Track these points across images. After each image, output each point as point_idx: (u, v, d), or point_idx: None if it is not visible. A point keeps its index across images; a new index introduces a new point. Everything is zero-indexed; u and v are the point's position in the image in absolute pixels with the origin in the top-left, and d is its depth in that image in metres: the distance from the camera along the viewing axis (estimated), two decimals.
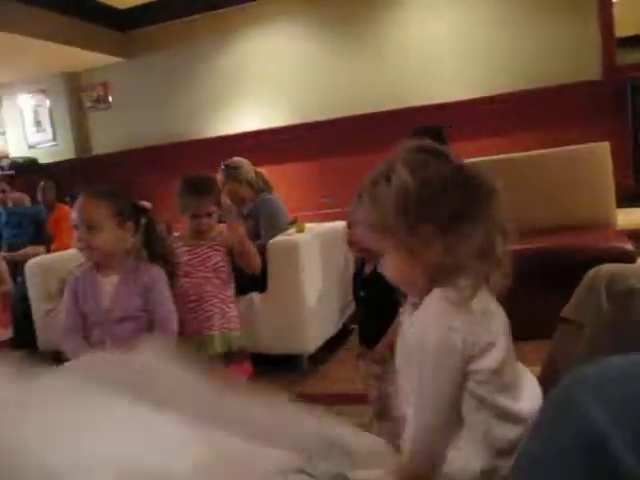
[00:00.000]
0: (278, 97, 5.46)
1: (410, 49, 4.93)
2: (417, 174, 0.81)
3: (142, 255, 1.77)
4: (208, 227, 1.98)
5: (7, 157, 6.63)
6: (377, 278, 1.84)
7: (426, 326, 0.81)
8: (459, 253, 0.79)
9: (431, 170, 0.82)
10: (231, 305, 2.01)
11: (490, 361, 0.80)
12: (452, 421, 0.81)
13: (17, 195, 4.50)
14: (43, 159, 6.51)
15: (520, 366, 0.88)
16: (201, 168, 5.39)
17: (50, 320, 3.23)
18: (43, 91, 6.60)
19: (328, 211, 4.83)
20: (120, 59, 6.10)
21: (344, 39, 5.19)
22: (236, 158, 3.20)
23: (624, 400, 0.51)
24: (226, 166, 3.11)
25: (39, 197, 4.66)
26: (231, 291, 2.05)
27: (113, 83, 6.32)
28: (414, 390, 0.82)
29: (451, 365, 0.79)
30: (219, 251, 1.99)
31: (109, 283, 1.67)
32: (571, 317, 1.25)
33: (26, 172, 6.15)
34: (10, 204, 4.43)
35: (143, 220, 1.76)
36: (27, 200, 4.53)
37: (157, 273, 1.74)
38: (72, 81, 6.51)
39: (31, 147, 6.79)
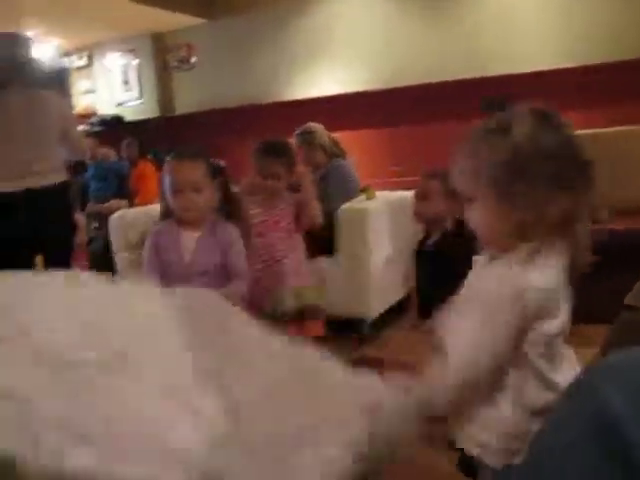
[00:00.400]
0: (356, 62, 5.42)
1: (489, 17, 4.73)
2: (535, 135, 0.84)
3: (219, 214, 1.85)
4: (273, 189, 2.03)
5: (96, 114, 6.99)
6: (439, 251, 1.86)
7: (505, 278, 0.83)
8: (549, 217, 0.81)
9: (548, 135, 0.84)
10: (302, 264, 2.09)
11: (551, 327, 0.82)
12: (495, 370, 0.84)
13: (104, 150, 4.76)
14: (129, 117, 6.82)
15: (563, 342, 0.89)
16: (277, 131, 5.47)
17: (132, 269, 3.45)
18: (131, 51, 6.86)
19: (399, 180, 4.80)
20: (204, 20, 6.22)
21: (423, 6, 5.05)
22: (310, 123, 3.24)
23: None
24: (300, 131, 3.16)
25: (123, 153, 4.91)
26: (302, 252, 2.12)
27: (197, 44, 6.47)
28: (473, 327, 0.83)
29: (517, 320, 0.81)
30: (290, 213, 2.06)
31: (191, 239, 1.75)
32: (633, 304, 1.22)
33: (113, 129, 6.47)
34: (98, 159, 4.70)
35: (219, 179, 1.83)
36: (113, 155, 4.78)
37: (234, 231, 1.82)
38: (158, 42, 6.72)
39: (118, 105, 7.11)
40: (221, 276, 1.76)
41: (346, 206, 2.86)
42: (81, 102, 7.54)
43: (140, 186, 4.65)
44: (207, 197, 1.72)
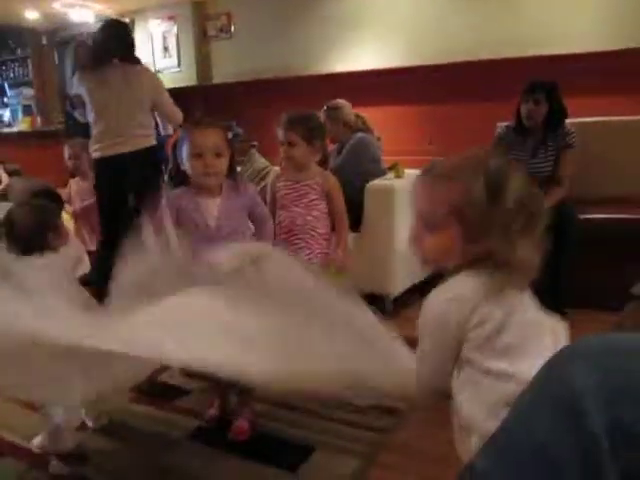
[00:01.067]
0: (395, 37, 5.33)
1: None
2: (521, 195, 0.93)
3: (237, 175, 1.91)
4: (287, 155, 2.06)
5: None
6: None
7: (430, 304, 0.98)
8: (499, 254, 0.92)
9: (508, 190, 0.92)
10: (322, 242, 2.10)
11: (484, 331, 0.91)
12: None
13: None
14: (167, 84, 6.86)
15: (533, 333, 0.94)
16: (312, 104, 5.46)
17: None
18: (172, 18, 6.89)
19: (434, 158, 4.76)
20: None
21: None
22: (338, 100, 3.24)
23: (610, 370, 0.55)
24: (327, 107, 3.18)
25: (158, 121, 4.97)
26: (325, 229, 2.13)
27: (236, 14, 6.46)
28: (423, 354, 0.99)
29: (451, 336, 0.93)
30: (315, 189, 2.08)
31: (212, 204, 1.79)
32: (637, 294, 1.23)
33: None
34: None
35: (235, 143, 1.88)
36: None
37: (255, 191, 1.90)
38: (199, 9, 6.73)
39: (158, 72, 7.17)
40: (249, 237, 1.83)
41: (373, 183, 2.87)
42: None
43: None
44: (225, 162, 1.77)
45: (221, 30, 6.62)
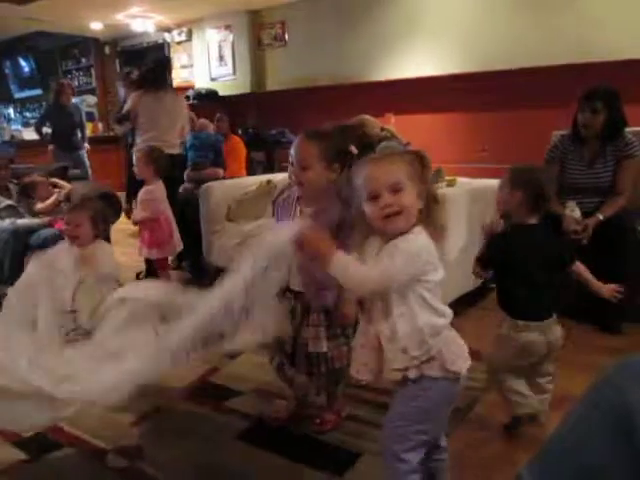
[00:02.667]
0: (450, 43, 5.29)
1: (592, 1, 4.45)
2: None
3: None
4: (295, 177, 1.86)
5: (192, 88, 7.29)
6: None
7: (419, 236, 1.27)
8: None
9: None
10: None
11: (437, 275, 1.27)
12: (398, 301, 1.27)
13: (202, 121, 4.97)
14: (222, 91, 7.06)
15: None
16: (364, 110, 5.47)
17: (215, 239, 3.63)
18: (228, 27, 7.07)
19: (486, 166, 4.69)
20: None
21: None
22: (362, 116, 3.23)
23: None
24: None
25: (214, 127, 5.09)
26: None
27: (290, 22, 6.56)
28: (392, 262, 1.24)
29: (417, 263, 1.25)
30: None
31: (305, 213, 1.76)
32: None
33: (207, 102, 6.73)
34: (195, 129, 4.92)
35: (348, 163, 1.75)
36: (210, 127, 4.97)
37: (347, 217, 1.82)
38: (254, 19, 6.88)
39: (213, 79, 7.37)
40: None
41: None
42: (180, 75, 7.89)
43: (229, 160, 4.82)
44: (312, 176, 1.70)
45: (275, 38, 6.74)
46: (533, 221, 1.83)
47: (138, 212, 3.34)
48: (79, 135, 6.26)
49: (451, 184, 2.95)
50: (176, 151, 4.23)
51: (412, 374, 1.27)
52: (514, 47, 4.83)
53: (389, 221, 1.26)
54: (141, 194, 3.34)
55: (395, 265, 1.23)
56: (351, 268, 1.27)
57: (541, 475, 0.70)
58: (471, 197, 2.95)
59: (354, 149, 1.79)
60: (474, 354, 2.13)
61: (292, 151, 1.75)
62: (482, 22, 5.06)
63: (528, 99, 4.73)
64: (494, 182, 2.94)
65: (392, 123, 4.49)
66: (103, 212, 2.24)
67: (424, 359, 1.26)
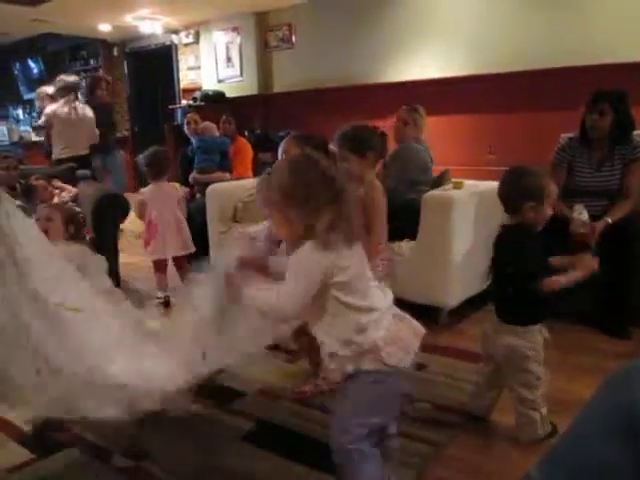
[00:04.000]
0: (458, 45, 5.28)
1: (605, 2, 4.42)
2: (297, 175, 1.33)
3: None
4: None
5: (199, 89, 7.31)
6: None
7: (307, 251, 1.29)
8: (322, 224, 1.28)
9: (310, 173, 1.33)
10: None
11: (343, 278, 1.30)
12: (320, 309, 1.33)
13: (206, 124, 4.98)
14: (229, 93, 7.07)
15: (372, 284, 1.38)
16: (371, 113, 5.48)
17: (222, 240, 3.64)
18: (235, 29, 7.09)
19: (494, 168, 4.67)
20: (305, 0, 6.29)
21: None
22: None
23: None
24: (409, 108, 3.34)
25: (221, 130, 5.11)
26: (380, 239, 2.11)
27: (297, 24, 6.57)
28: (295, 281, 1.30)
29: (315, 271, 1.29)
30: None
31: None
32: None
33: (214, 104, 6.75)
34: (199, 132, 4.93)
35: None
36: (215, 130, 4.98)
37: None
38: (261, 21, 6.89)
39: (220, 81, 7.39)
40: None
41: (431, 193, 2.86)
42: (187, 77, 7.92)
43: (236, 162, 4.84)
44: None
45: (282, 40, 6.75)
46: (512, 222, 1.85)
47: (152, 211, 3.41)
48: (111, 135, 5.69)
49: (458, 187, 2.95)
50: (85, 152, 4.99)
51: (349, 368, 1.33)
52: (522, 49, 4.80)
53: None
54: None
55: (289, 285, 1.30)
56: (258, 300, 1.37)
57: (551, 474, 0.70)
58: (478, 200, 2.94)
59: (332, 149, 1.89)
60: (476, 357, 2.13)
61: (279, 150, 1.94)
62: (490, 24, 5.04)
63: (536, 101, 4.71)
64: None
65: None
66: (76, 216, 2.48)
67: (357, 355, 1.31)
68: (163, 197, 3.41)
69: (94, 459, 1.83)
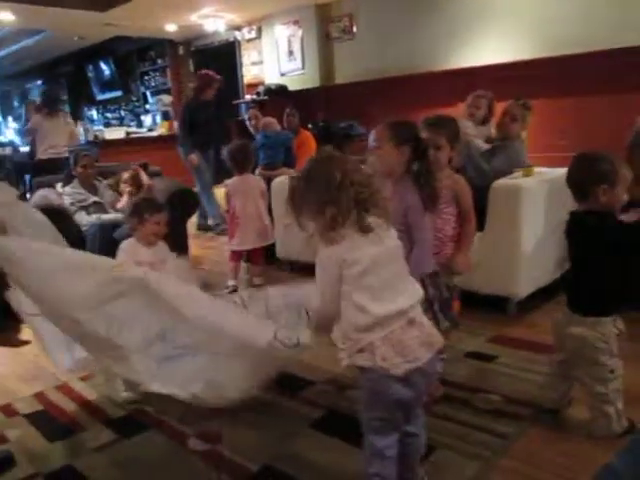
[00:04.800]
0: (523, 28, 5.11)
1: None
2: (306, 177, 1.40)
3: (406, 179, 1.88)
4: (435, 158, 2.00)
5: (263, 84, 7.42)
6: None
7: (320, 251, 1.36)
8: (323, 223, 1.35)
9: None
10: (450, 244, 2.09)
11: (352, 271, 1.32)
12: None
13: (267, 119, 5.04)
14: (291, 86, 7.14)
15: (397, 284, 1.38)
16: (435, 101, 5.40)
17: (287, 234, 3.69)
18: (296, 22, 7.14)
19: (566, 154, 4.48)
20: None
21: None
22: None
23: None
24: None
25: (284, 123, 5.16)
26: (453, 231, 2.09)
27: (358, 15, 6.54)
28: (320, 283, 1.38)
29: (329, 265, 1.35)
30: (445, 193, 2.03)
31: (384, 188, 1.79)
32: None
33: (276, 98, 6.84)
34: (260, 128, 5.01)
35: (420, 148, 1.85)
36: (276, 124, 5.04)
37: (413, 201, 1.85)
38: (322, 12, 6.90)
39: (282, 75, 7.47)
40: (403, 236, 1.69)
41: (500, 182, 2.79)
42: (250, 72, 8.05)
43: (300, 154, 4.88)
44: (380, 152, 1.88)
45: (344, 31, 6.74)
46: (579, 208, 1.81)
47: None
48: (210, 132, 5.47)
49: (527, 174, 2.86)
50: (64, 155, 5.44)
51: (345, 362, 1.37)
52: (591, 29, 4.59)
53: None
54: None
55: (317, 285, 1.40)
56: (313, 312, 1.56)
57: (635, 465, 0.68)
58: (549, 187, 2.84)
59: (424, 135, 1.86)
60: (547, 348, 2.08)
61: (370, 137, 1.95)
62: (556, 4, 4.84)
63: (608, 83, 4.49)
64: None
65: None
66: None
67: (353, 350, 1.35)
68: (246, 189, 3.52)
69: (171, 441, 1.92)
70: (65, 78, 11.20)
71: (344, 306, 1.35)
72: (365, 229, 1.33)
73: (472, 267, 2.12)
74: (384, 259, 1.35)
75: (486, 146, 3.19)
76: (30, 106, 6.55)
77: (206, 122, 5.34)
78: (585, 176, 1.75)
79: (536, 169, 2.98)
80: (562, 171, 3.02)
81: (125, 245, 2.33)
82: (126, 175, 3.89)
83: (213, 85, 5.42)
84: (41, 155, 5.73)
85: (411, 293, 1.40)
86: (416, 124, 1.98)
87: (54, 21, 6.86)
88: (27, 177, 7.49)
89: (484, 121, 3.51)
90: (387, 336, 1.32)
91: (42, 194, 3.72)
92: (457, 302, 2.18)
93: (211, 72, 5.51)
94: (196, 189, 5.28)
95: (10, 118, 11.54)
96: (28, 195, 4.93)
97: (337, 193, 1.31)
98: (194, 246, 4.49)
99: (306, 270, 2.18)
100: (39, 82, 12.20)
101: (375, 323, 1.32)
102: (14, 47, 8.62)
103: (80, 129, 8.40)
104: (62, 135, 5.76)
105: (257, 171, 4.69)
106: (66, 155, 5.35)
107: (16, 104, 13.30)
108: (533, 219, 2.77)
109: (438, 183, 1.92)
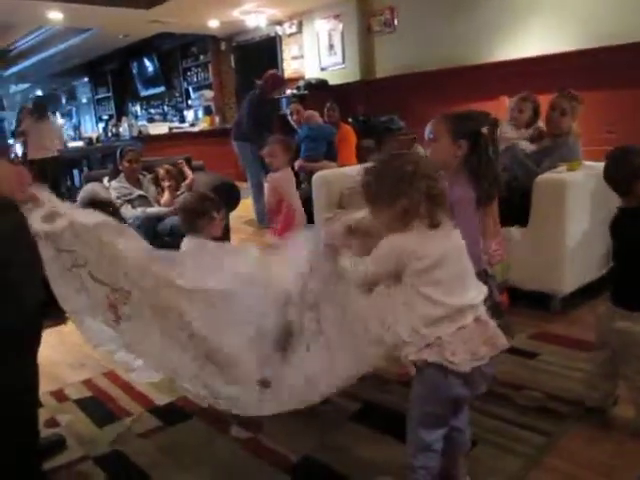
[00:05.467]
0: (567, 19, 4.96)
1: None
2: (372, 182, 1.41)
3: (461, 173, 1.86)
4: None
5: (303, 78, 7.45)
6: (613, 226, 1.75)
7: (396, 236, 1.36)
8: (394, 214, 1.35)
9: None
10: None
11: (417, 265, 1.31)
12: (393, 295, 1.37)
13: (310, 113, 5.07)
14: (332, 80, 7.14)
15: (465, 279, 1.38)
16: (477, 95, 5.30)
17: (327, 226, 3.70)
18: (337, 16, 7.12)
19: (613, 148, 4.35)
20: None
21: None
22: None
23: None
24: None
25: (325, 117, 5.17)
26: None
27: (400, 7, 6.48)
28: (380, 251, 1.38)
29: (396, 252, 1.35)
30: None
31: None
32: None
33: (317, 92, 6.85)
34: (303, 121, 5.04)
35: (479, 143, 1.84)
36: (318, 118, 5.06)
37: (463, 194, 1.82)
38: (363, 6, 6.87)
39: (323, 69, 7.48)
40: None
41: (544, 176, 2.74)
42: (291, 67, 8.09)
43: (341, 149, 4.89)
44: (436, 146, 1.88)
45: (385, 24, 6.69)
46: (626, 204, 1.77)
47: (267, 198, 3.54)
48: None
49: (572, 168, 2.79)
50: (53, 155, 6.86)
51: (411, 357, 1.34)
52: (633, 20, 4.42)
53: None
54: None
55: (378, 254, 1.39)
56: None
57: None
58: (595, 182, 2.77)
59: (485, 130, 1.85)
60: (592, 346, 2.03)
61: (426, 130, 1.94)
62: None
63: None
64: None
65: (507, 106, 4.31)
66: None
67: (422, 345, 1.32)
68: (293, 183, 3.55)
69: (213, 428, 1.97)
70: (110, 75, 11.51)
71: (409, 300, 1.34)
72: (435, 223, 1.33)
73: (505, 254, 2.07)
74: (452, 254, 1.35)
75: (532, 147, 3.09)
76: (26, 111, 7.28)
77: (268, 119, 5.39)
78: (621, 171, 1.71)
79: (583, 163, 2.91)
80: None
81: (192, 244, 2.10)
82: (162, 171, 3.97)
83: (282, 88, 5.73)
84: (32, 155, 6.82)
85: (480, 289, 1.40)
86: (481, 117, 1.92)
87: (101, 19, 7.05)
88: (75, 172, 7.77)
89: (528, 125, 3.32)
90: (457, 332, 1.31)
91: (90, 188, 3.84)
92: (505, 297, 2.14)
93: (279, 74, 5.78)
94: (248, 184, 5.35)
95: (58, 115, 11.94)
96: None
97: (409, 186, 1.32)
98: (236, 240, 4.55)
99: None
100: (85, 79, 12.57)
101: (446, 316, 1.31)
102: (62, 46, 8.90)
103: (125, 125, 8.65)
104: (50, 138, 6.94)
105: (297, 163, 4.72)
106: (54, 155, 6.91)
107: (64, 102, 13.74)
108: (578, 214, 2.71)
109: (497, 179, 1.91)
